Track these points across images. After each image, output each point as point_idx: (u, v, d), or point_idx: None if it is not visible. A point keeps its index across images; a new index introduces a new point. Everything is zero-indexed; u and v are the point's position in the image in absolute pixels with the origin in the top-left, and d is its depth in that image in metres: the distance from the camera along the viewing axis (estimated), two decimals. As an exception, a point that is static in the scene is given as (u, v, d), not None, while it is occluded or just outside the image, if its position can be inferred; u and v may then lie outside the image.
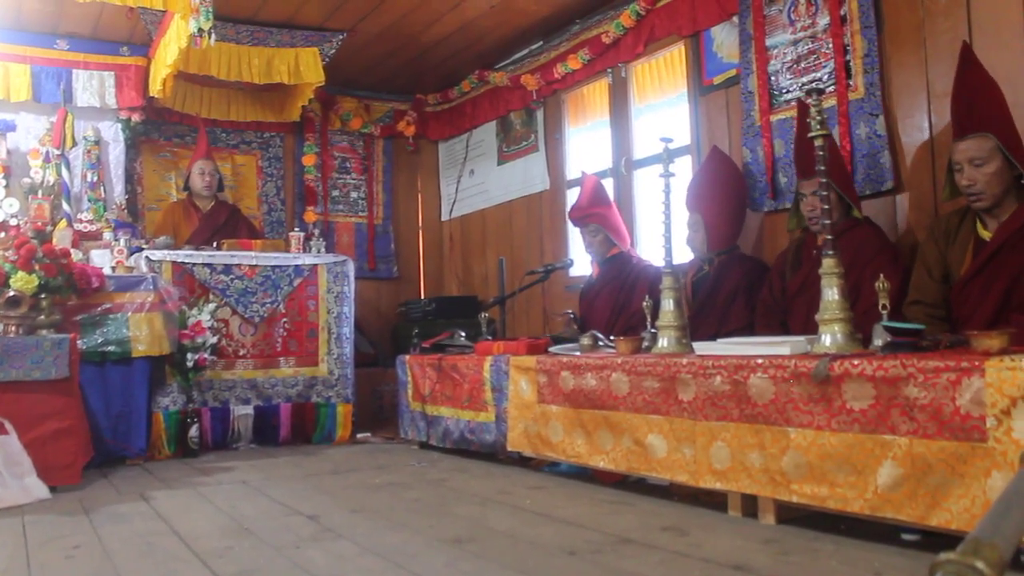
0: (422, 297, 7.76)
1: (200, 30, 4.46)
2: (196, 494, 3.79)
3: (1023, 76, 3.55)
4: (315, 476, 4.20)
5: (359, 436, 5.64)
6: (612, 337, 3.90)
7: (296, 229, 6.75)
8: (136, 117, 6.42)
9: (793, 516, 2.83)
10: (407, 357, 5.20)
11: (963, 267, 3.27)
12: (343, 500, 3.56)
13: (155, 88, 5.81)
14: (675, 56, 5.47)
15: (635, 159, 5.81)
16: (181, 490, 3.90)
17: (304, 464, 4.62)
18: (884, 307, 2.74)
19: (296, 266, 5.55)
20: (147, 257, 5.06)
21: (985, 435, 2.18)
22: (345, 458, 4.82)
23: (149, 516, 3.34)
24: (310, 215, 7.32)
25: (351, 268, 5.76)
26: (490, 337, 4.84)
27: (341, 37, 6.27)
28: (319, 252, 5.88)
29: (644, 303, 3.81)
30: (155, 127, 6.75)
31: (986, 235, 3.23)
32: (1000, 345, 2.30)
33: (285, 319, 5.46)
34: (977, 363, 2.21)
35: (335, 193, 7.55)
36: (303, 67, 6.20)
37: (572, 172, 6.41)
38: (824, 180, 2.93)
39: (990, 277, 3.13)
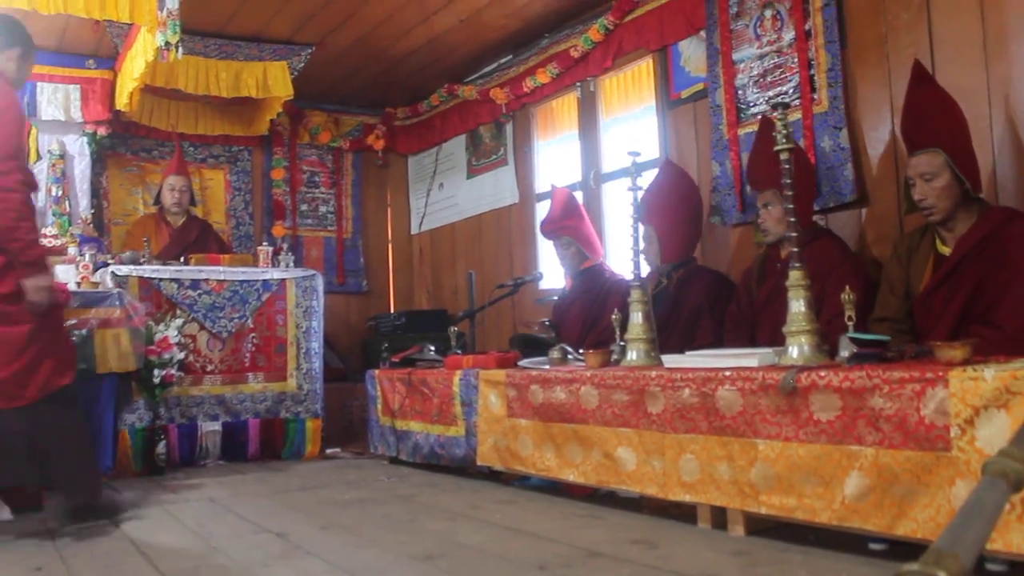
0: (392, 311, 7.74)
1: (167, 43, 4.43)
2: (163, 512, 3.74)
3: (983, 90, 3.61)
4: (284, 493, 4.17)
5: (328, 451, 5.60)
6: (582, 350, 3.90)
7: (264, 243, 6.69)
8: (102, 131, 6.37)
9: (762, 527, 2.84)
10: (376, 371, 5.18)
11: (924, 282, 3.31)
12: (312, 517, 3.53)
13: (122, 102, 5.76)
14: (643, 70, 5.50)
15: (604, 172, 5.83)
16: (148, 508, 3.84)
17: (273, 480, 4.58)
18: (850, 318, 2.77)
19: (264, 281, 5.51)
20: (113, 272, 5.01)
21: (949, 444, 2.20)
22: (314, 474, 4.78)
23: (115, 536, 3.29)
24: (279, 229, 7.29)
25: (320, 282, 5.73)
26: (460, 351, 4.83)
27: (310, 51, 6.26)
28: (288, 266, 5.84)
29: (613, 316, 3.81)
30: (122, 141, 6.70)
31: (945, 250, 3.27)
32: (963, 356, 2.32)
33: (253, 334, 5.42)
34: (941, 373, 2.23)
35: (304, 207, 7.52)
36: (271, 81, 6.19)
37: (541, 185, 6.43)
38: (789, 193, 2.95)
39: (950, 290, 3.17)
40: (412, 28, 6.03)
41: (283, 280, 5.60)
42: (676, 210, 4.46)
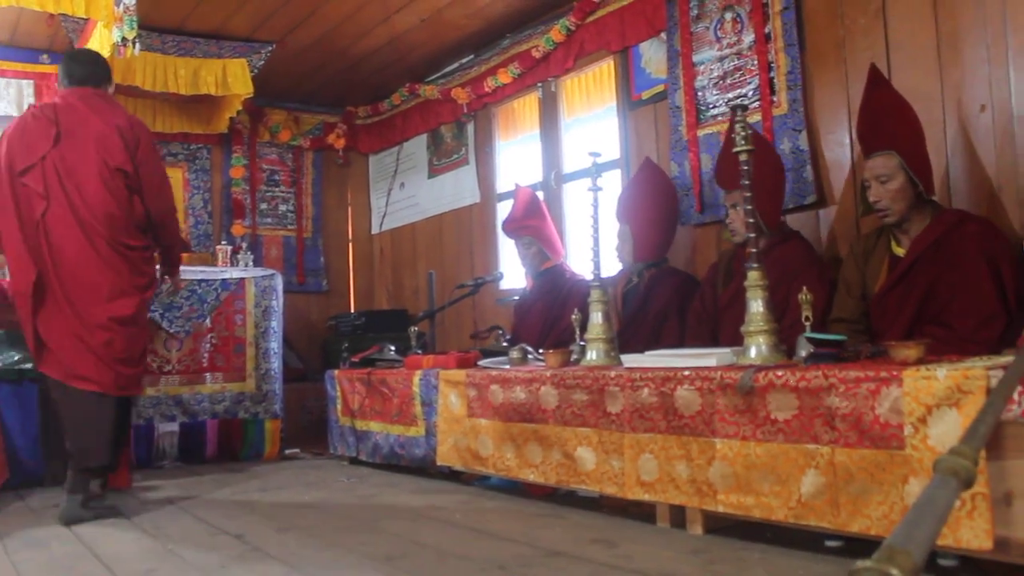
0: (352, 311, 7.69)
1: (124, 39, 4.37)
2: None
3: (936, 94, 3.67)
4: (242, 494, 4.13)
5: (288, 452, 5.56)
6: (542, 350, 3.91)
7: (223, 242, 6.66)
8: (57, 127, 6.25)
9: (720, 526, 2.86)
10: (336, 372, 5.15)
11: (879, 282, 3.35)
12: (271, 518, 3.50)
13: (76, 98, 5.67)
14: (604, 71, 5.52)
15: (565, 172, 5.84)
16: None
17: (231, 482, 4.54)
18: (807, 319, 2.79)
19: (223, 280, 5.46)
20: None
21: (903, 443, 2.23)
22: (273, 475, 4.75)
23: (68, 539, 3.24)
24: (238, 228, 7.21)
25: (279, 282, 5.68)
26: (420, 351, 4.82)
27: (270, 49, 6.20)
28: (247, 266, 5.79)
29: (573, 316, 3.82)
30: (77, 137, 6.58)
31: (900, 251, 3.32)
32: (917, 355, 2.35)
33: (212, 334, 5.37)
34: (895, 373, 2.26)
35: (263, 206, 7.45)
36: (231, 78, 6.12)
37: (503, 185, 6.43)
38: (749, 194, 2.97)
39: (905, 291, 3.22)
40: (373, 27, 6.00)
41: (242, 279, 5.55)
42: (652, 210, 4.48)
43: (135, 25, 4.35)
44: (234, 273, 5.57)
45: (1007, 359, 2.12)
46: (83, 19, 5.05)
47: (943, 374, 2.15)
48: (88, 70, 3.93)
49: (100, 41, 4.86)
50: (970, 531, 2.05)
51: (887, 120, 3.31)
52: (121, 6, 4.30)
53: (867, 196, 3.35)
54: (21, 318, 3.75)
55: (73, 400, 3.68)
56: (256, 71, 6.20)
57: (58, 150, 3.72)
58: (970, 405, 2.08)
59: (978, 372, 2.08)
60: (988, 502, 2.03)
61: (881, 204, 3.27)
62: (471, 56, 6.50)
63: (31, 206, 3.69)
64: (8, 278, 3.96)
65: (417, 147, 7.32)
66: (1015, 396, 1.97)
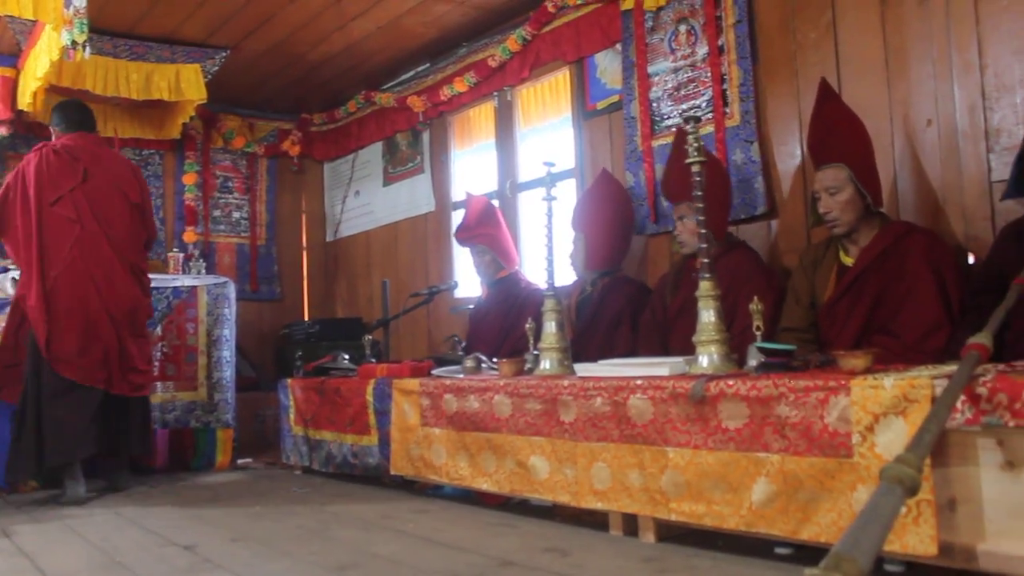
0: (306, 319, 7.64)
1: (74, 42, 4.30)
2: (64, 527, 3.62)
3: (884, 108, 3.73)
4: (193, 504, 4.07)
5: (240, 462, 5.50)
6: (496, 359, 3.91)
7: (175, 249, 6.58)
8: (3, 131, 6.13)
9: (673, 534, 2.88)
10: (289, 380, 5.11)
11: (828, 292, 3.40)
12: (222, 529, 3.45)
13: (24, 101, 5.59)
14: (560, 81, 5.55)
15: (520, 182, 5.85)
16: (48, 523, 3.72)
17: (181, 492, 4.48)
18: (758, 328, 2.82)
19: (175, 287, 5.39)
20: (13, 278, 4.83)
21: (851, 451, 2.26)
22: (225, 485, 4.69)
23: (11, 553, 3.17)
24: (190, 235, 7.11)
25: (232, 290, 5.62)
26: (374, 360, 4.79)
27: (224, 54, 6.15)
28: (199, 273, 5.73)
29: (528, 325, 3.83)
30: (24, 142, 6.42)
31: (848, 261, 3.37)
32: (864, 365, 2.39)
33: (163, 342, 5.30)
34: (843, 382, 2.29)
35: (216, 213, 7.37)
36: (184, 84, 6.06)
37: (458, 194, 6.42)
38: (700, 206, 3.00)
39: (853, 300, 3.27)
40: (330, 34, 5.97)
41: (194, 287, 5.49)
42: (607, 220, 4.50)
43: (85, 28, 4.28)
44: (186, 281, 5.51)
45: (951, 368, 2.16)
46: (31, 21, 4.97)
47: (890, 383, 2.18)
48: (85, 116, 4.66)
49: (48, 44, 4.79)
50: (916, 537, 2.08)
51: (837, 133, 3.36)
52: (71, 8, 4.23)
53: (817, 207, 3.40)
54: (38, 333, 4.25)
55: (89, 400, 4.30)
56: (210, 76, 6.15)
57: (86, 185, 4.43)
58: (916, 413, 2.11)
59: (923, 381, 2.12)
60: (933, 508, 2.06)
61: (831, 215, 3.32)
62: (427, 64, 6.50)
63: (62, 231, 4.36)
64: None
65: (372, 155, 7.30)
66: (959, 405, 2.01)
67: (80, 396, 4.29)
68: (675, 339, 3.91)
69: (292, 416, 5.01)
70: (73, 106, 4.73)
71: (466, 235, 5.21)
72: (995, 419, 1.95)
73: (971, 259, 3.41)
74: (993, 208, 3.38)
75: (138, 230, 4.65)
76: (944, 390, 1.87)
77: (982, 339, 2.06)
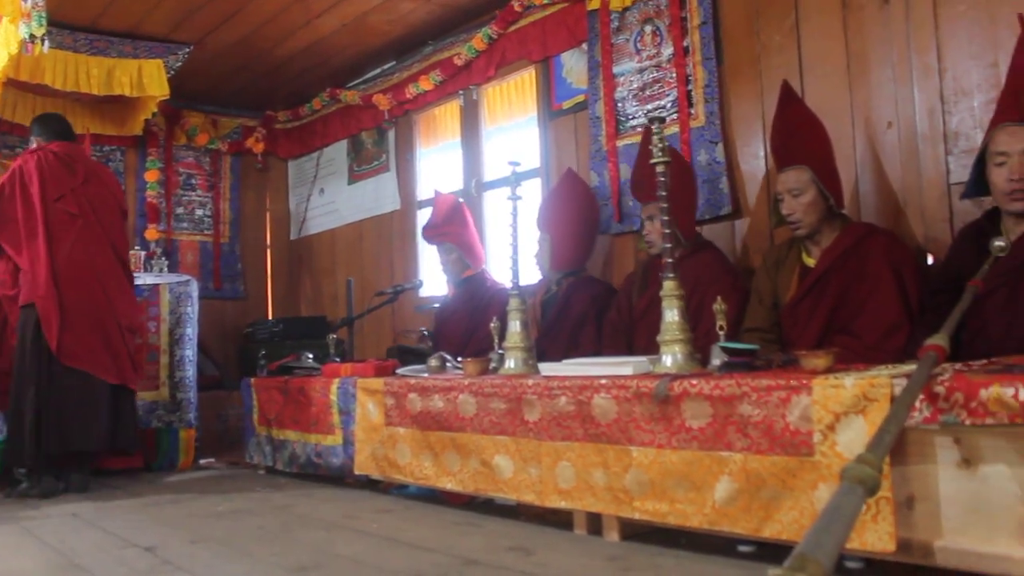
0: (270, 317, 7.58)
1: (32, 36, 4.23)
2: (20, 529, 3.56)
3: (847, 111, 3.78)
4: (153, 505, 4.03)
5: (202, 462, 5.45)
6: (461, 358, 3.91)
7: (137, 247, 6.50)
8: (-41, 124, 6.05)
9: (636, 532, 2.89)
10: (253, 380, 5.07)
11: (790, 292, 3.43)
12: (183, 530, 3.42)
13: (-19, 95, 5.49)
14: (526, 80, 5.55)
15: (485, 181, 5.85)
16: (3, 525, 3.66)
17: (142, 493, 4.43)
18: (721, 328, 2.84)
19: (136, 286, 5.31)
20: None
21: (812, 449, 2.28)
22: (186, 485, 4.65)
23: (-36, 554, 3.12)
24: (152, 233, 7.03)
25: (195, 288, 5.57)
26: (338, 359, 4.77)
27: (188, 50, 6.09)
28: (161, 271, 5.68)
29: (492, 324, 3.83)
30: (-18, 134, 6.37)
31: (810, 262, 3.41)
32: (826, 364, 2.41)
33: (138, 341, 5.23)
34: (805, 381, 2.31)
35: (179, 210, 7.29)
36: (146, 79, 5.99)
37: (423, 192, 6.42)
38: (665, 205, 3.01)
39: (815, 301, 3.30)
40: (295, 30, 5.94)
41: (156, 285, 5.43)
42: (572, 220, 4.51)
43: (44, 22, 4.22)
44: (147, 279, 5.45)
45: (910, 368, 2.19)
46: (-12, 14, 4.89)
47: (850, 383, 2.21)
48: (65, 128, 4.87)
49: (6, 38, 4.70)
50: (875, 534, 2.11)
51: (799, 136, 3.40)
52: (29, 1, 4.17)
53: (779, 209, 3.43)
54: (46, 322, 4.35)
55: (96, 391, 4.45)
56: (173, 72, 6.08)
57: (85, 187, 4.63)
58: (876, 412, 2.14)
59: (883, 381, 2.14)
60: (892, 506, 2.09)
61: (793, 217, 3.35)
62: (393, 62, 6.47)
63: (64, 226, 4.51)
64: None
65: (337, 153, 7.26)
66: (917, 404, 2.04)
67: (89, 387, 4.42)
68: (640, 338, 3.93)
69: (255, 416, 4.98)
70: (54, 118, 4.95)
71: (433, 233, 5.20)
72: (952, 418, 1.98)
73: (930, 260, 3.46)
74: (952, 210, 3.43)
75: (127, 235, 4.99)
76: (903, 389, 1.90)
77: (939, 340, 2.08)
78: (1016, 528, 1.92)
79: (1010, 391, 1.87)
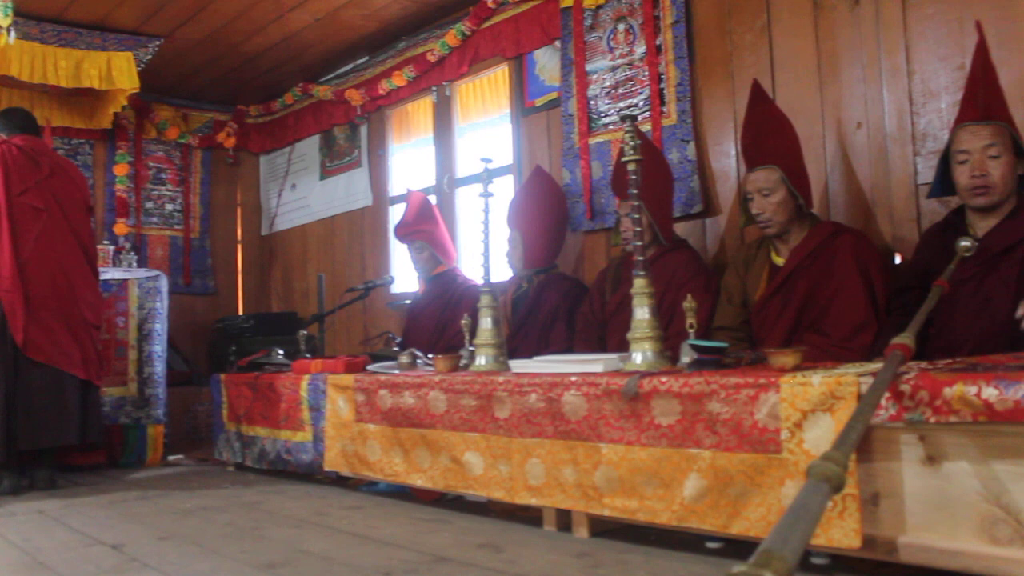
0: (240, 313, 7.53)
1: (-2, 26, 4.18)
2: (-16, 525, 3.53)
3: (817, 111, 3.81)
4: (121, 502, 3.99)
5: (171, 458, 5.41)
6: (431, 355, 3.90)
7: (105, 242, 6.44)
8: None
9: (606, 529, 2.90)
10: (222, 376, 5.04)
11: (759, 291, 3.46)
12: (151, 527, 3.39)
13: (-54, 87, 5.41)
14: (499, 77, 5.55)
15: (458, 177, 5.85)
16: (-34, 522, 3.61)
17: (109, 489, 4.38)
18: (691, 326, 2.85)
19: (104, 281, 5.26)
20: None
21: (780, 447, 2.30)
22: (155, 482, 4.61)
23: (-75, 551, 3.08)
24: (121, 227, 6.95)
25: (164, 283, 5.52)
26: (309, 355, 4.75)
27: (158, 43, 6.02)
28: (130, 266, 5.62)
29: (463, 321, 3.83)
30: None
31: (779, 261, 3.44)
32: (794, 362, 2.43)
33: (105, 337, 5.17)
34: (773, 379, 2.33)
35: (149, 205, 7.22)
36: (116, 72, 5.91)
37: (395, 188, 6.40)
38: (637, 203, 3.02)
39: (784, 299, 3.33)
40: (267, 24, 5.89)
41: (125, 281, 5.38)
42: (543, 217, 4.52)
43: (9, 12, 4.18)
44: (116, 274, 5.39)
45: (877, 366, 2.21)
46: (-48, 5, 4.82)
47: (818, 381, 2.23)
48: (29, 122, 4.79)
49: (-30, 28, 4.65)
50: (841, 531, 2.13)
51: (769, 135, 3.42)
52: (-6, -9, 4.12)
53: (749, 208, 3.46)
54: (11, 315, 4.30)
55: (65, 385, 4.42)
56: (143, 65, 6.01)
57: (50, 181, 4.58)
58: (842, 410, 2.16)
59: (850, 379, 2.16)
60: (857, 503, 2.11)
61: (763, 216, 3.37)
62: (366, 58, 6.45)
63: (29, 220, 4.45)
64: None
65: (309, 148, 7.22)
66: (883, 402, 2.06)
67: (57, 382, 4.39)
68: (613, 335, 3.94)
69: (225, 412, 4.95)
70: (18, 112, 4.88)
71: (405, 231, 5.19)
72: (917, 415, 2.01)
73: (898, 259, 3.49)
74: (919, 210, 3.46)
75: (92, 230, 4.91)
76: (869, 388, 1.91)
77: (905, 339, 2.11)
78: (978, 524, 1.95)
79: (973, 389, 1.89)
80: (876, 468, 2.13)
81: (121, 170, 7.02)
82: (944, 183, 3.01)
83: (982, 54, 2.92)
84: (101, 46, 5.87)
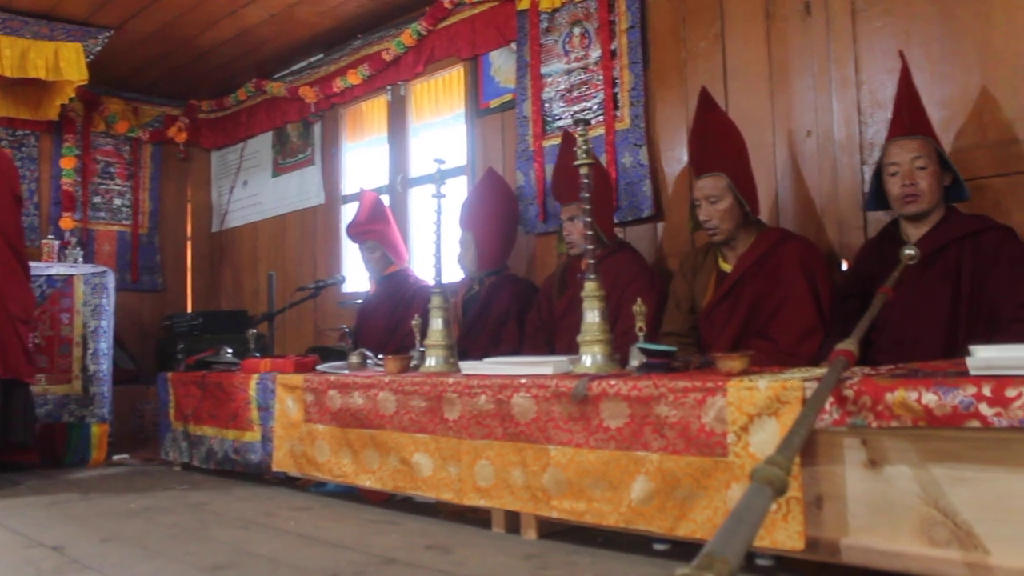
0: (189, 311, 7.44)
1: (-61, 14, 4.09)
2: (-81, 525, 3.44)
3: (768, 118, 3.86)
4: (63, 503, 3.92)
5: (116, 458, 5.32)
6: (381, 356, 3.89)
7: (50, 236, 6.32)
8: None
9: (554, 531, 2.91)
10: (170, 374, 4.97)
11: (707, 297, 3.50)
12: (93, 528, 3.33)
13: None
14: (454, 77, 5.55)
15: (411, 177, 5.84)
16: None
17: (51, 490, 4.30)
18: (641, 329, 2.87)
19: (49, 276, 5.17)
20: None
21: (726, 450, 2.33)
22: (98, 482, 4.53)
23: None
24: (67, 222, 6.83)
25: (111, 279, 5.42)
26: (258, 354, 4.70)
27: (108, 34, 5.93)
28: (76, 261, 5.52)
29: (414, 322, 3.82)
30: None
31: (726, 267, 3.48)
32: (741, 367, 2.46)
33: (35, 333, 5.07)
34: (720, 383, 2.36)
35: (96, 199, 7.10)
36: (64, 63, 5.80)
37: (348, 187, 6.37)
38: (588, 207, 3.03)
39: (731, 305, 3.37)
40: (220, 19, 5.83)
41: (70, 276, 5.28)
42: (496, 219, 4.53)
43: (-48, -1, 4.07)
44: (61, 269, 5.30)
45: (822, 371, 2.25)
46: None
47: (764, 385, 2.25)
48: None
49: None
50: (784, 533, 2.16)
51: (716, 143, 3.46)
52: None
53: (696, 214, 3.49)
54: None
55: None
56: (92, 57, 5.91)
57: None
58: (788, 414, 2.19)
59: (795, 383, 2.20)
60: (801, 506, 2.14)
61: (710, 223, 3.41)
62: (321, 55, 6.41)
63: None
64: None
65: (262, 145, 7.16)
66: (827, 407, 2.10)
67: None
68: (561, 338, 3.96)
69: (172, 411, 4.88)
70: None
71: (357, 231, 5.16)
72: (860, 420, 2.04)
73: (844, 266, 3.55)
74: (866, 218, 3.53)
75: (21, 222, 4.72)
76: (813, 393, 1.94)
77: (848, 345, 2.14)
78: (917, 526, 1.99)
79: (914, 395, 1.93)
80: (820, 471, 2.16)
81: (68, 163, 6.90)
82: (878, 197, 3.15)
83: (906, 77, 3.11)
84: (49, 36, 5.76)
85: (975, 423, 1.84)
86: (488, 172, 4.71)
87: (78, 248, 6.40)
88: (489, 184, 4.63)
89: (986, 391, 1.83)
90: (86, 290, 5.31)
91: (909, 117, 3.04)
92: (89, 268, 5.43)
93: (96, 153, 7.11)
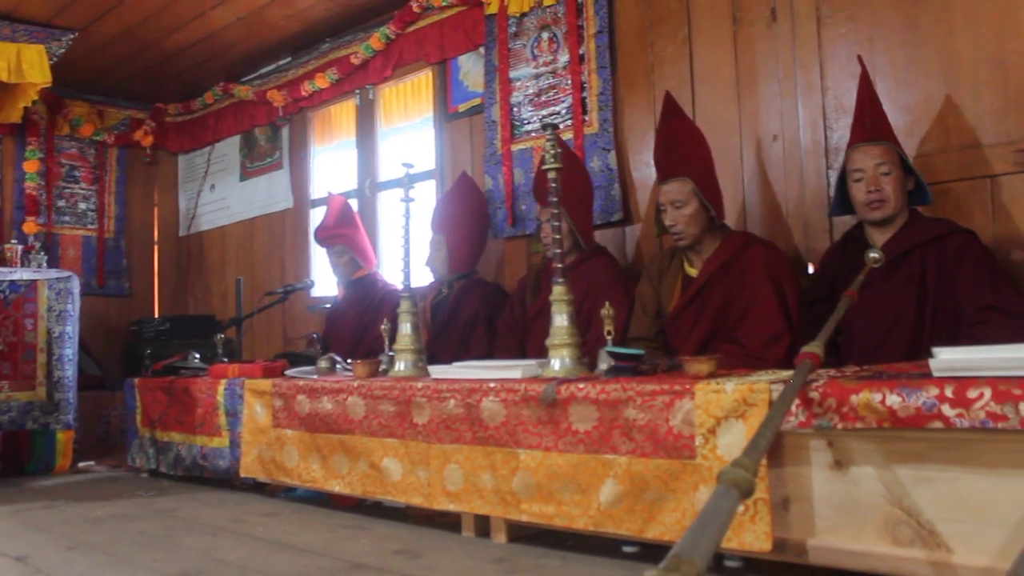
0: (156, 316, 7.37)
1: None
2: None
3: (735, 123, 3.89)
4: (27, 511, 3.87)
5: (81, 465, 5.25)
6: (351, 360, 3.87)
7: (13, 241, 6.23)
8: None
9: (524, 534, 2.91)
10: (136, 380, 4.92)
11: (673, 302, 3.51)
12: (58, 536, 3.29)
13: None
14: (423, 81, 5.55)
15: (380, 181, 5.82)
16: None
17: (14, 497, 4.24)
18: (609, 333, 2.89)
19: (11, 282, 5.10)
20: None
21: (694, 452, 2.34)
22: (63, 490, 4.47)
23: None
24: (31, 226, 6.73)
25: (76, 284, 5.36)
26: (226, 359, 4.67)
27: (72, 36, 5.86)
28: (40, 266, 5.45)
29: (383, 326, 3.81)
30: None
31: (692, 272, 3.49)
32: (709, 370, 2.48)
33: (-2, 339, 5.01)
34: (688, 386, 2.37)
35: (61, 203, 7.02)
36: (26, 65, 5.72)
37: (316, 191, 6.34)
38: (556, 211, 3.04)
39: (698, 309, 3.39)
40: (188, 21, 5.79)
41: (34, 281, 5.21)
42: (468, 223, 4.53)
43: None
44: (24, 274, 5.23)
45: (789, 374, 2.27)
46: None
47: (731, 387, 2.27)
48: None
49: None
50: (752, 534, 2.18)
51: (681, 148, 3.48)
52: None
53: (662, 219, 3.50)
54: None
55: None
56: (56, 59, 5.84)
57: None
58: (754, 417, 2.21)
59: (762, 386, 2.22)
60: (768, 507, 2.16)
61: (676, 228, 3.42)
62: (289, 58, 6.38)
63: None
64: None
65: (230, 148, 7.11)
66: (793, 409, 2.12)
67: None
68: (533, 340, 3.96)
69: (139, 417, 4.83)
70: None
71: (325, 235, 5.14)
72: (825, 422, 2.07)
73: (811, 269, 3.59)
74: (832, 222, 3.56)
75: None
76: (779, 395, 1.96)
77: (814, 348, 2.16)
78: (882, 526, 2.01)
79: (878, 397, 1.96)
80: (787, 473, 2.19)
81: (31, 167, 6.81)
82: (843, 201, 3.19)
83: (866, 83, 3.16)
84: (10, 37, 5.68)
85: (938, 424, 1.87)
86: (461, 176, 4.72)
87: (42, 252, 6.32)
88: (462, 187, 4.63)
89: (948, 392, 1.86)
90: (50, 295, 5.25)
91: (871, 123, 3.08)
92: (54, 273, 5.37)
93: (61, 156, 7.03)
